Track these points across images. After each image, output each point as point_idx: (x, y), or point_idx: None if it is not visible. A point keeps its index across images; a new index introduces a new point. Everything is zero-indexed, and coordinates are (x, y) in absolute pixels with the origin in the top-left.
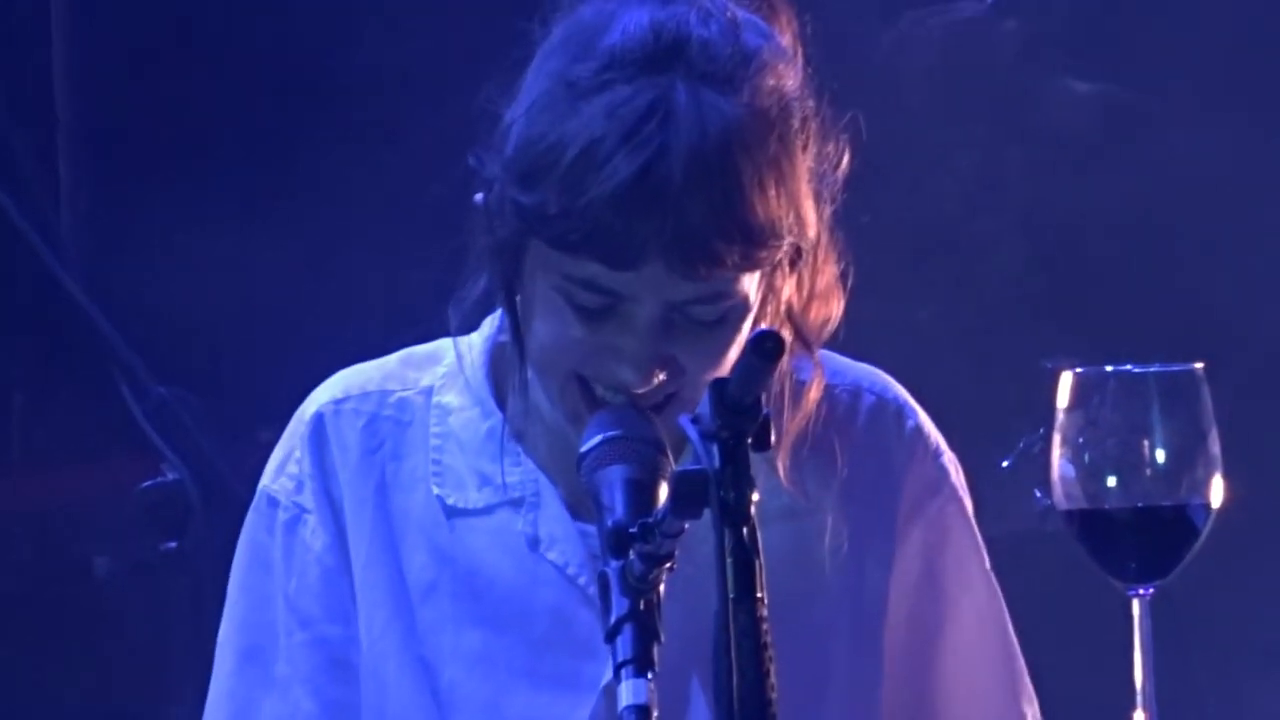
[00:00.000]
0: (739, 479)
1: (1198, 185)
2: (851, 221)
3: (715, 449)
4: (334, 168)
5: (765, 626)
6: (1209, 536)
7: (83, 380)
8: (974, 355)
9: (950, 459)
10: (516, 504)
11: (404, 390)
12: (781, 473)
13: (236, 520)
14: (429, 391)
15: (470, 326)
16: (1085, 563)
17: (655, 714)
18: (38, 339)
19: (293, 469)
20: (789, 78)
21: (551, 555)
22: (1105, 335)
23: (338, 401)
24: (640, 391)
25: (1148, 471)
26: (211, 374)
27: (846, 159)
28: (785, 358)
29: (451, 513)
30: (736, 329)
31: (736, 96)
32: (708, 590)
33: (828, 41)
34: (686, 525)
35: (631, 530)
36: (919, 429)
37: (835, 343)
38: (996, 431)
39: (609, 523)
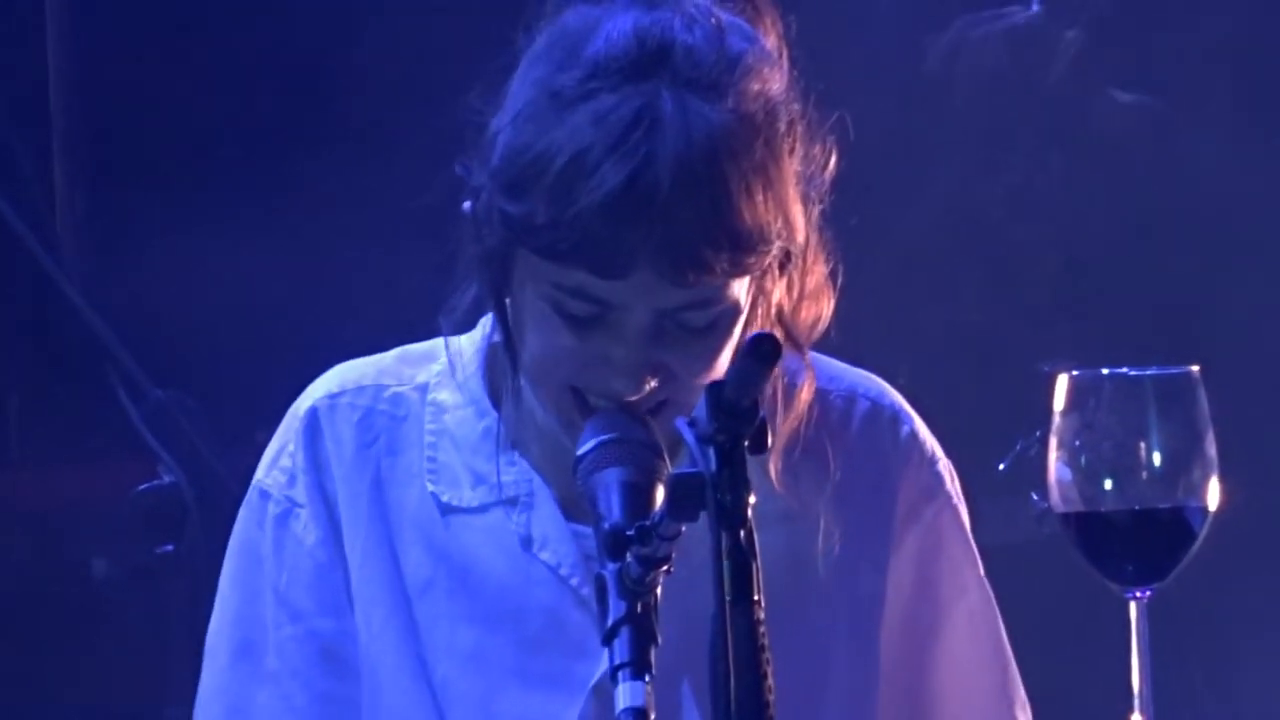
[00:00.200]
0: (736, 482)
1: (1201, 190)
2: (842, 224)
3: (712, 452)
4: (332, 170)
5: (762, 629)
6: (1206, 539)
7: (79, 383)
8: (971, 358)
9: (946, 465)
10: (510, 504)
11: (399, 386)
12: (774, 475)
13: (233, 523)
14: (424, 388)
15: (464, 327)
16: (1082, 566)
17: (652, 716)
18: (34, 341)
19: (285, 463)
20: (774, 81)
21: (544, 555)
22: (1104, 338)
23: (333, 396)
24: (632, 399)
25: (1144, 474)
26: (208, 377)
27: (834, 160)
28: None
29: (446, 510)
30: (727, 333)
31: (722, 102)
32: (702, 593)
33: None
34: (683, 528)
35: (629, 533)
36: (914, 434)
37: (831, 347)
38: (993, 435)
39: (606, 525)
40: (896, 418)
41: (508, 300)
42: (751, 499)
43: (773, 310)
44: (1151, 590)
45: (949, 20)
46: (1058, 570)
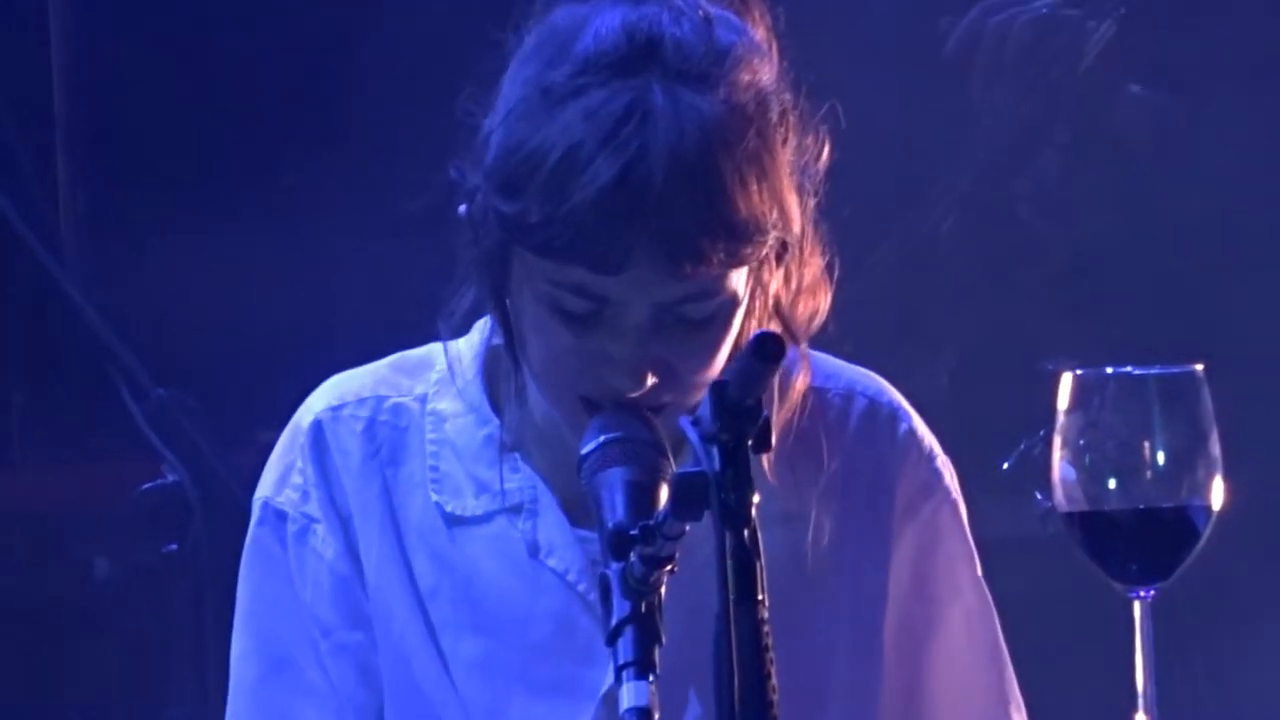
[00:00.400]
0: (740, 481)
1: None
2: (841, 220)
3: (716, 451)
4: (332, 170)
5: (766, 629)
6: (1210, 538)
7: (82, 382)
8: (975, 357)
9: (944, 462)
10: (515, 511)
11: (399, 396)
12: (767, 467)
13: (236, 522)
14: (424, 399)
15: (462, 331)
16: (1086, 565)
17: (656, 716)
18: (37, 341)
19: (296, 479)
20: (764, 72)
21: (551, 562)
22: (1109, 336)
23: (334, 408)
24: (634, 396)
25: (1148, 473)
26: (211, 376)
27: (827, 150)
28: None
29: (450, 520)
30: (726, 327)
31: (713, 94)
32: (705, 593)
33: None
34: (687, 527)
35: (633, 532)
36: (912, 432)
37: (829, 344)
38: (996, 433)
39: (610, 525)
40: (894, 415)
41: (508, 301)
42: (756, 498)
43: (770, 303)
44: (1156, 589)
45: (946, 9)
46: (1062, 569)
